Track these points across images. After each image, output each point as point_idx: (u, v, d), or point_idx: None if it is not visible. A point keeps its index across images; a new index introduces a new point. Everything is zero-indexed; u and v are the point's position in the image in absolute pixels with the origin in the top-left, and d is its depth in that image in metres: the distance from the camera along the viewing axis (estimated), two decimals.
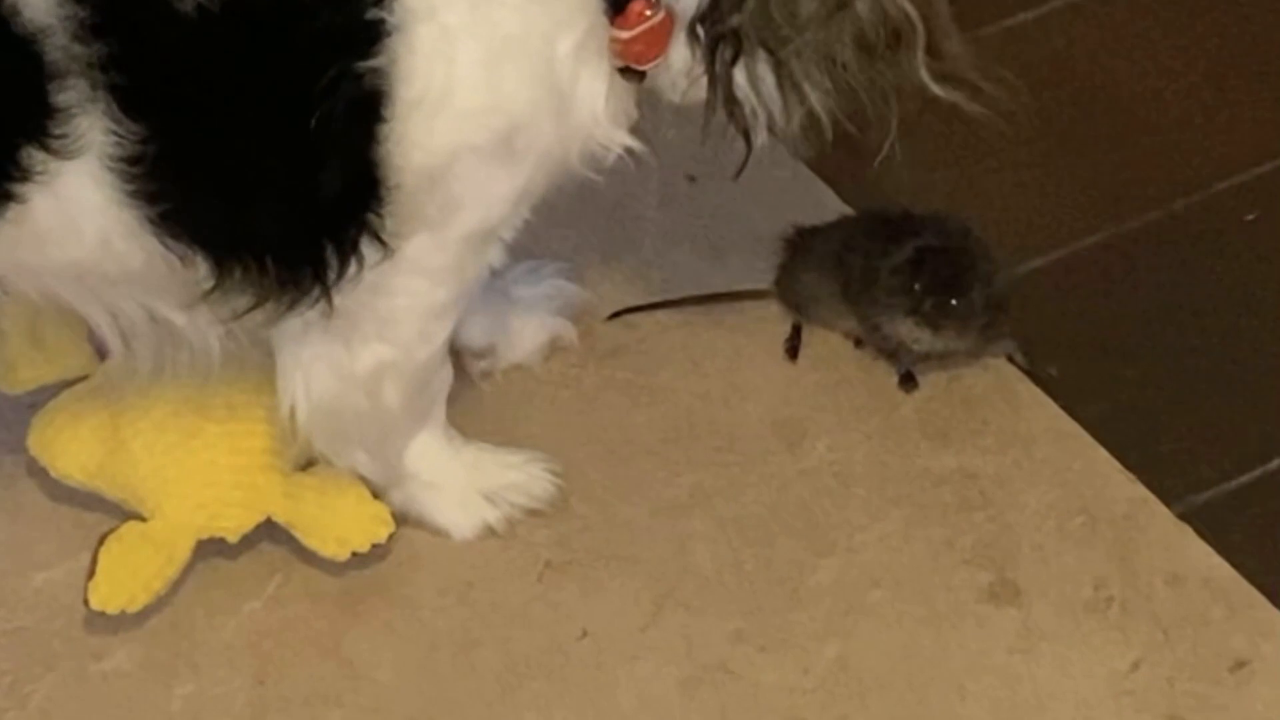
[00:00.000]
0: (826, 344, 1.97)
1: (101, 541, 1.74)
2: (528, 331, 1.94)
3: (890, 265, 1.90)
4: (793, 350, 1.97)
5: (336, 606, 1.76)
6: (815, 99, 1.61)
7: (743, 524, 1.84)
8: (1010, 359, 1.96)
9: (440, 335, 1.73)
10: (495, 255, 1.70)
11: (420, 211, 1.59)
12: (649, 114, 1.69)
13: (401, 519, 1.79)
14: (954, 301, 1.88)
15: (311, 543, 1.77)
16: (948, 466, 1.88)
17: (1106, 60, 2.24)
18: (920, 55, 1.61)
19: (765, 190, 2.05)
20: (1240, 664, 1.74)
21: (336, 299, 1.62)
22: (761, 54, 1.61)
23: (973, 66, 1.64)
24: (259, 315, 1.63)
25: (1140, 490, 1.86)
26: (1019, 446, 1.90)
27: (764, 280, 1.99)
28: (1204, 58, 2.25)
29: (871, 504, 1.85)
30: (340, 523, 1.76)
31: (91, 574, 1.72)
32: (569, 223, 1.99)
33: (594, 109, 1.61)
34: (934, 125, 1.69)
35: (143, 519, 1.76)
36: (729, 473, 1.87)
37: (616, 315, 1.99)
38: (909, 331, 1.90)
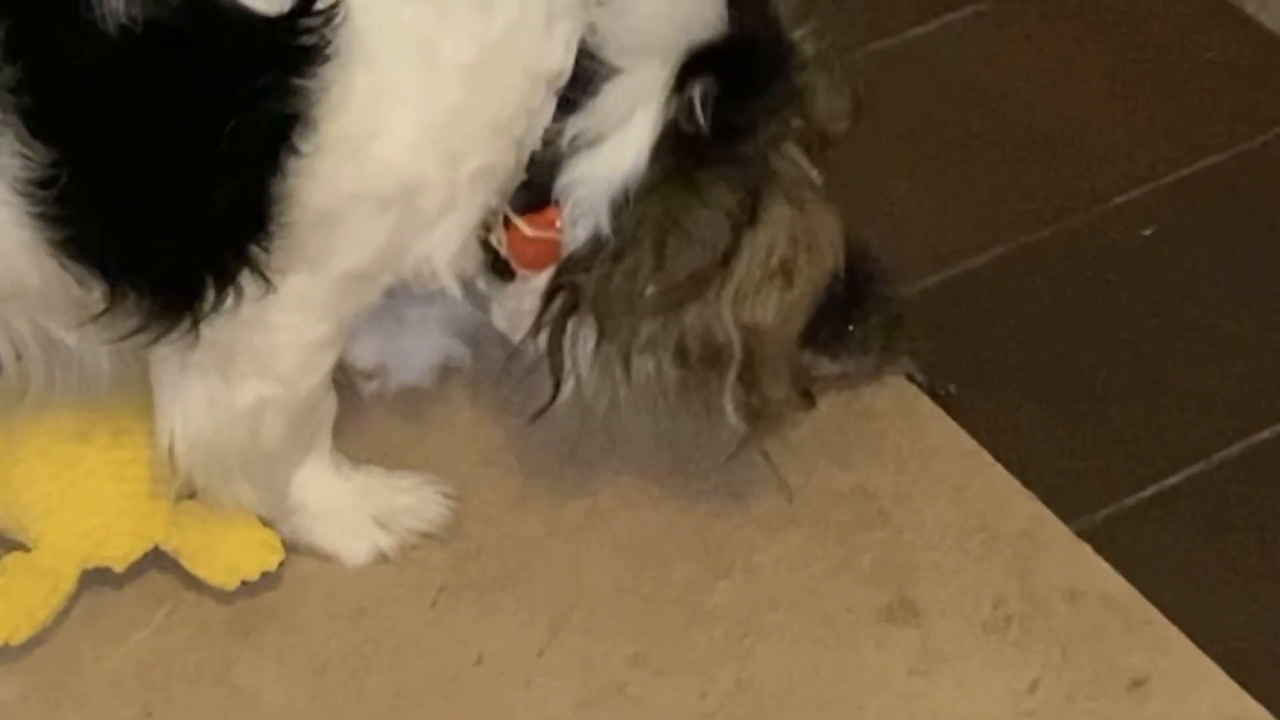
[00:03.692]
0: None
1: None
2: (420, 352, 1.91)
3: None
4: None
5: (225, 634, 1.74)
6: (620, 389, 1.64)
7: (639, 545, 1.82)
8: (909, 377, 1.95)
9: (323, 368, 1.70)
10: (374, 294, 1.67)
11: (301, 249, 1.57)
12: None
13: (292, 546, 1.77)
14: (850, 328, 1.87)
15: (200, 571, 1.74)
16: (846, 485, 1.87)
17: (1003, 76, 2.24)
18: (729, 383, 1.64)
19: None
20: (1138, 682, 1.74)
21: (208, 331, 1.59)
22: (589, 321, 1.61)
23: (790, 420, 1.69)
24: (140, 339, 1.60)
25: (1038, 507, 1.85)
26: (917, 464, 1.89)
27: None
28: (1101, 73, 2.25)
29: (770, 523, 1.84)
30: (229, 550, 1.74)
31: None
32: None
33: (444, 244, 1.61)
34: None
35: (26, 549, 1.73)
36: (625, 493, 1.86)
37: None
38: (806, 359, 1.88)
